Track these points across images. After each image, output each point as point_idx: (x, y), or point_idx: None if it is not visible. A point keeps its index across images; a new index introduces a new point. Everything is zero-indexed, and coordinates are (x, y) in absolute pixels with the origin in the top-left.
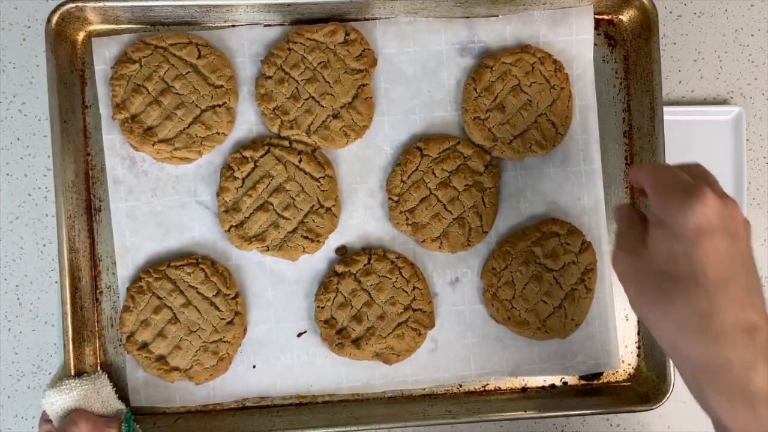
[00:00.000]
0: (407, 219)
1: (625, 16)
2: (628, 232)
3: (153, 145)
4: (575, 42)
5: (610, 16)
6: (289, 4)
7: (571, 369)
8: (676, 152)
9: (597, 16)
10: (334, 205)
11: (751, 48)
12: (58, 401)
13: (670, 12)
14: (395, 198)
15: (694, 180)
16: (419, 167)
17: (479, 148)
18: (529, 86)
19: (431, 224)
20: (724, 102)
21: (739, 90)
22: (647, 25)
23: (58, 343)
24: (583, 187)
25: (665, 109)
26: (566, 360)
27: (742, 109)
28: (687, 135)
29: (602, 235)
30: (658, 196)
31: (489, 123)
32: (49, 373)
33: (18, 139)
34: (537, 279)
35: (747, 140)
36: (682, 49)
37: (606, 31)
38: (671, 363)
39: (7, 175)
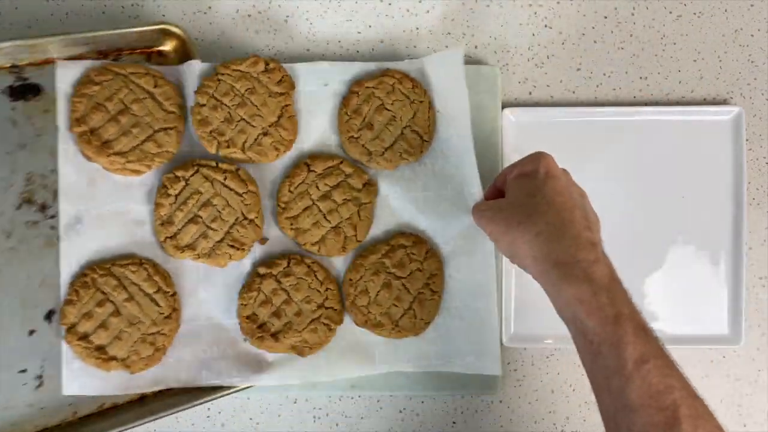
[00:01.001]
0: (291, 224)
1: (169, 47)
2: (488, 195)
3: (108, 156)
4: (459, 78)
5: (156, 48)
6: None
7: (460, 367)
8: (675, 152)
9: (146, 50)
10: (256, 217)
11: (751, 48)
12: None
13: (670, 12)
14: (282, 205)
15: None
16: (305, 180)
17: (358, 167)
18: (392, 104)
19: (311, 230)
20: (723, 102)
21: (739, 90)
22: (187, 51)
23: None
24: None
25: (665, 109)
26: (457, 359)
27: (742, 109)
28: (687, 135)
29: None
30: (514, 166)
31: (362, 140)
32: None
33: None
34: (387, 286)
35: (747, 140)
36: (682, 49)
37: (158, 62)
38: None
39: None
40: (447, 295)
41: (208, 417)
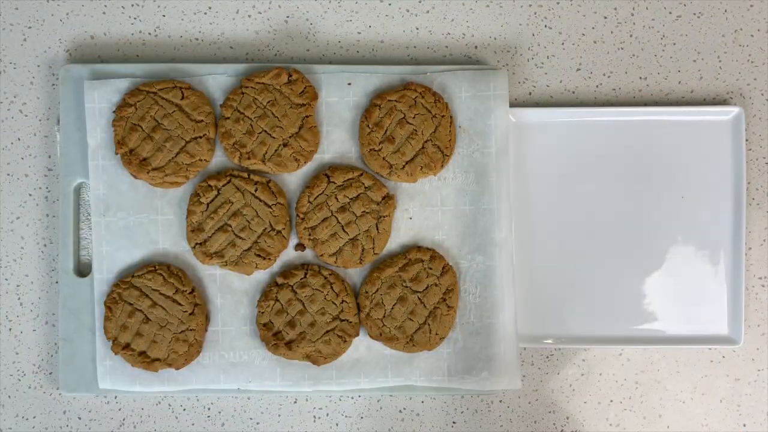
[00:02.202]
0: (309, 234)
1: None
2: None
3: (148, 172)
4: (492, 97)
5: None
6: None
7: (474, 383)
8: (675, 152)
9: None
10: (284, 228)
11: (751, 48)
12: None
13: (670, 12)
14: (301, 215)
15: None
16: (324, 191)
17: (378, 180)
18: (414, 117)
19: (329, 241)
20: (723, 102)
21: (739, 90)
22: None
23: (59, 342)
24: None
25: (665, 109)
26: (471, 374)
27: (742, 110)
28: (686, 135)
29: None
30: None
31: (382, 153)
32: (50, 373)
33: (19, 140)
34: (402, 300)
35: (747, 140)
36: (681, 50)
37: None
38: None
39: (8, 175)
40: (463, 310)
41: (208, 417)
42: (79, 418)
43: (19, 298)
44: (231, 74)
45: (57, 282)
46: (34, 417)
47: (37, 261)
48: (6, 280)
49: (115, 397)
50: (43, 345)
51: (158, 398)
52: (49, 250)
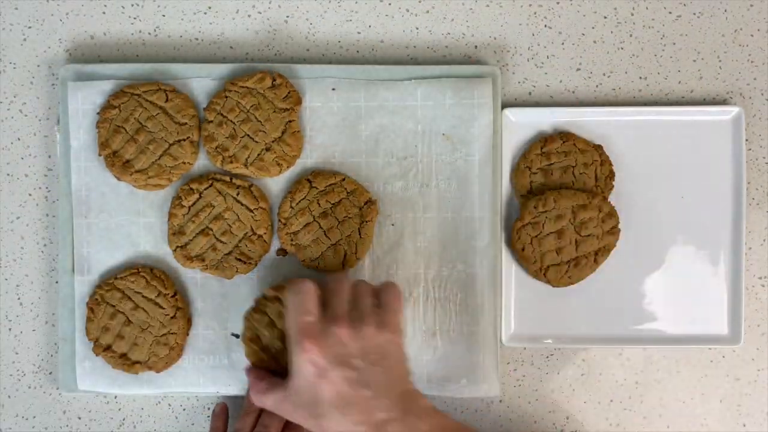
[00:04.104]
0: (291, 240)
1: None
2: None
3: (131, 175)
4: (476, 105)
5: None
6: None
7: (454, 390)
8: (675, 152)
9: None
10: (265, 233)
11: (751, 48)
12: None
13: (670, 12)
14: (283, 221)
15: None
16: (306, 197)
17: (360, 186)
18: None
19: (311, 247)
20: (723, 102)
21: (739, 90)
22: None
23: (59, 342)
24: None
25: (665, 109)
26: (451, 382)
27: (742, 110)
28: (686, 135)
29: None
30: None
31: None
32: (50, 373)
33: (18, 139)
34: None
35: (746, 140)
36: (681, 49)
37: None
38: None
39: (8, 175)
40: (444, 318)
41: (208, 417)
42: (79, 418)
43: (18, 298)
44: (215, 77)
45: (57, 282)
46: (34, 417)
47: (37, 261)
48: (6, 280)
49: (115, 397)
50: (43, 345)
51: (158, 398)
52: (49, 250)
